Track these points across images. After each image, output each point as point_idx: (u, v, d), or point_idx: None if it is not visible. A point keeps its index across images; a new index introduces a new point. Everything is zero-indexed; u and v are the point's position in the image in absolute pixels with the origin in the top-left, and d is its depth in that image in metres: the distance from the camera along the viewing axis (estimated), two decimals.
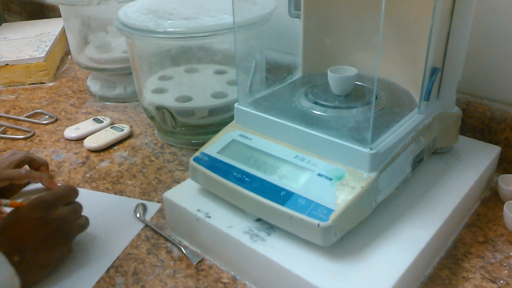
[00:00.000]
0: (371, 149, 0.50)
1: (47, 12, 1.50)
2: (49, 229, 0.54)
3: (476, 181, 0.60)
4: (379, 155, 0.50)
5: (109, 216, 0.66)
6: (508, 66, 0.68)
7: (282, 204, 0.49)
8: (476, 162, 0.63)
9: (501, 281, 0.53)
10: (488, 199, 0.66)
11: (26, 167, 0.74)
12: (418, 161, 0.58)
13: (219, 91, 0.81)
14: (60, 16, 1.20)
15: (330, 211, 0.47)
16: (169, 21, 0.70)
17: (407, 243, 0.50)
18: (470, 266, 0.55)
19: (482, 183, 0.64)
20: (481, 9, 0.66)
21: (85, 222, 0.60)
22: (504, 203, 0.62)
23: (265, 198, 0.50)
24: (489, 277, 0.53)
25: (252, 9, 0.74)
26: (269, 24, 0.77)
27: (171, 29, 0.69)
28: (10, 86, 1.11)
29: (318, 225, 0.47)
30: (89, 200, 0.67)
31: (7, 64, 1.09)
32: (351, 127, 0.53)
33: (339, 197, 0.48)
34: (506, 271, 0.54)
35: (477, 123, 0.71)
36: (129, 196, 0.69)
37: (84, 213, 0.60)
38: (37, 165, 0.74)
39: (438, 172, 0.61)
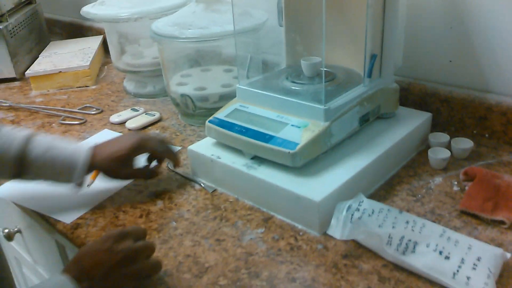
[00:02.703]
0: (325, 106, 0.75)
1: (85, 32, 1.80)
2: (115, 259, 0.58)
3: (408, 134, 0.85)
4: (331, 110, 0.76)
5: None
6: (437, 54, 0.94)
7: (267, 142, 0.75)
8: (410, 122, 0.88)
9: (419, 195, 0.77)
10: (424, 151, 0.90)
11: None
12: (364, 120, 0.84)
13: (227, 83, 1.07)
14: (96, 35, 1.52)
15: (296, 144, 0.73)
16: (189, 30, 0.97)
17: (349, 167, 0.75)
18: (400, 188, 0.79)
19: (416, 138, 0.89)
20: (414, 12, 0.92)
21: (157, 264, 0.62)
22: None
23: (256, 140, 0.76)
24: (411, 193, 0.78)
25: (249, 20, 1.01)
26: (263, 32, 1.03)
27: (190, 36, 0.96)
28: (62, 89, 1.39)
29: (289, 152, 0.72)
30: None
31: (60, 71, 1.37)
32: (313, 94, 0.79)
33: (303, 137, 0.74)
34: (424, 190, 0.78)
35: (416, 98, 0.96)
36: None
37: None
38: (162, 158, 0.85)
39: (381, 129, 0.86)
